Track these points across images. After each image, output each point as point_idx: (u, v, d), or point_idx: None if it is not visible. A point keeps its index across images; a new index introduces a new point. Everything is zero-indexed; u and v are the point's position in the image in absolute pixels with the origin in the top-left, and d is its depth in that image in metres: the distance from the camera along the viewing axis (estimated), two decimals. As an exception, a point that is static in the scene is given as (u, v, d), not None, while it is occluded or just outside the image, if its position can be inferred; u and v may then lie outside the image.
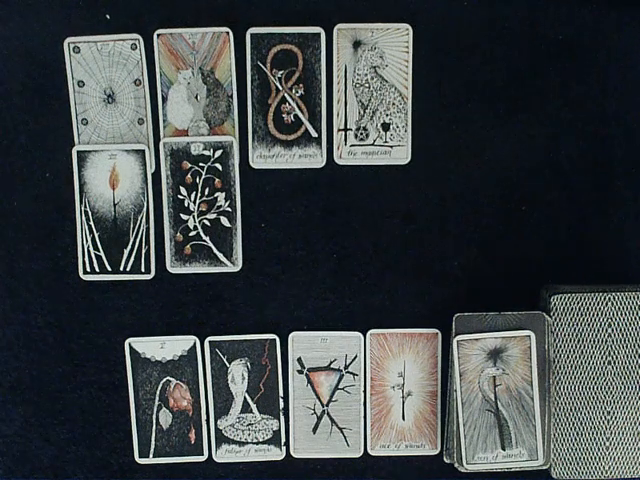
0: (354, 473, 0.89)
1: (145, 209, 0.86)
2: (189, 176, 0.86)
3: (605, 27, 0.85)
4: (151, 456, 0.88)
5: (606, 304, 0.81)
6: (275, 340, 0.87)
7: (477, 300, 0.86)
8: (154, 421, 0.87)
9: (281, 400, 0.88)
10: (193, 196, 0.86)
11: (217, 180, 0.86)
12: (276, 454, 0.88)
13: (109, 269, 0.86)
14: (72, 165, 0.85)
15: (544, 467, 0.82)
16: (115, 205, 0.86)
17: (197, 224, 0.86)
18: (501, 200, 0.86)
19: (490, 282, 0.87)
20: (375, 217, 0.86)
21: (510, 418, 0.82)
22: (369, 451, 0.88)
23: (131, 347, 0.87)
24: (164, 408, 0.87)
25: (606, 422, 0.82)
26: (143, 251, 0.86)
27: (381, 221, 0.86)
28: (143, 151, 0.85)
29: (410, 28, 0.84)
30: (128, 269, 0.86)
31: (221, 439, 0.88)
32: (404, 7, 0.84)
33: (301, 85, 0.85)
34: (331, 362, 0.87)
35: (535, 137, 0.86)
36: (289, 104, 0.85)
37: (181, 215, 0.86)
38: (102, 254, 0.86)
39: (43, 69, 0.85)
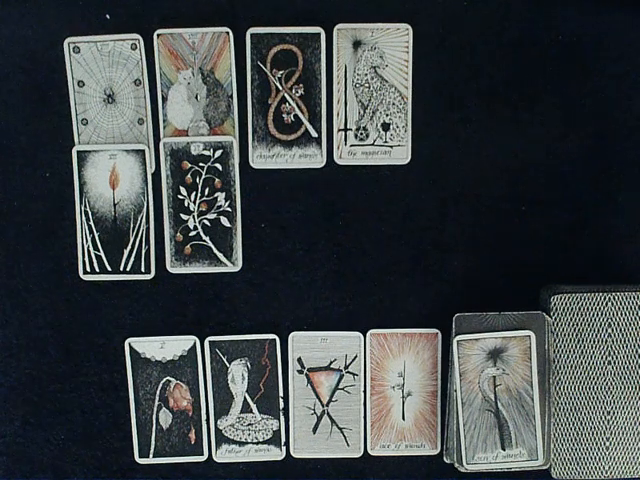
0: (354, 473, 0.89)
1: (145, 209, 0.86)
2: (189, 176, 0.86)
3: (605, 27, 0.85)
4: (151, 456, 0.88)
5: (606, 304, 0.81)
6: (275, 340, 0.87)
7: (477, 300, 0.86)
8: (154, 421, 0.87)
9: (281, 400, 0.88)
10: (193, 196, 0.86)
11: (217, 180, 0.86)
12: (276, 454, 0.88)
13: (109, 269, 0.86)
14: (72, 165, 0.85)
15: (544, 467, 0.82)
16: (115, 205, 0.86)
17: (197, 224, 0.86)
18: (501, 200, 0.86)
19: (490, 282, 0.87)
20: (375, 217, 0.86)
21: (510, 418, 0.82)
22: (369, 451, 0.88)
23: (131, 347, 0.87)
24: (164, 408, 0.87)
25: (606, 422, 0.82)
26: (143, 251, 0.86)
27: (381, 221, 0.86)
28: (143, 151, 0.85)
29: (410, 28, 0.84)
30: (128, 269, 0.86)
31: (221, 439, 0.88)
32: (404, 7, 0.84)
33: (301, 85, 0.85)
34: (331, 362, 0.88)
35: (535, 137, 0.86)
36: (289, 104, 0.85)
37: (181, 215, 0.86)
38: (102, 254, 0.86)
39: (43, 69, 0.85)
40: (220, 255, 0.86)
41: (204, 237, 0.86)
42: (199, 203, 0.86)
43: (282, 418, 0.88)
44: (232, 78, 0.85)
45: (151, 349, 0.87)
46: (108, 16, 0.84)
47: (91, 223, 0.86)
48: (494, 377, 0.82)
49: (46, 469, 0.89)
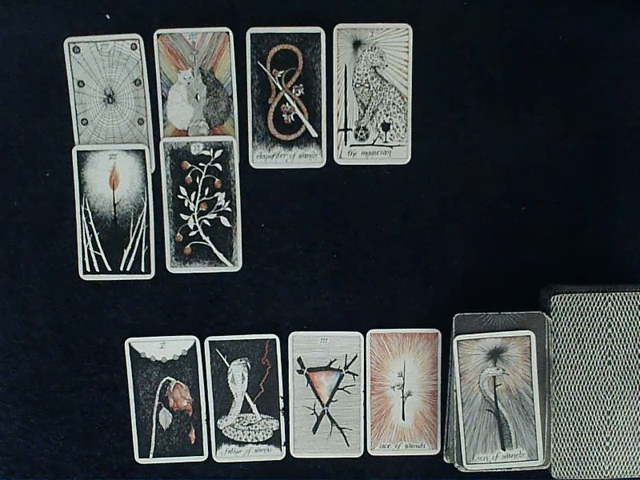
0: (354, 473, 0.89)
1: (145, 209, 0.86)
2: (189, 176, 0.86)
3: (605, 27, 0.85)
4: (151, 456, 0.88)
5: (606, 304, 0.81)
6: (275, 340, 0.87)
7: (477, 300, 0.86)
8: (154, 421, 0.87)
9: (281, 400, 0.88)
10: (193, 196, 0.86)
11: (217, 180, 0.86)
12: (276, 454, 0.88)
13: (109, 269, 0.86)
14: (72, 165, 0.85)
15: (544, 467, 0.82)
16: (115, 205, 0.86)
17: (197, 224, 0.86)
18: (501, 200, 0.86)
19: (490, 282, 0.87)
20: (375, 217, 0.86)
21: (510, 418, 0.82)
22: (369, 451, 0.88)
23: (131, 347, 0.87)
24: (164, 408, 0.87)
25: (606, 422, 0.82)
26: (143, 251, 0.86)
27: (381, 221, 0.86)
28: (143, 151, 0.85)
29: (410, 28, 0.84)
30: (128, 269, 0.86)
31: (221, 439, 0.88)
32: (404, 7, 0.84)
33: (301, 85, 0.85)
34: (331, 362, 0.88)
35: (535, 137, 0.86)
36: (289, 104, 0.85)
37: (181, 215, 0.86)
38: (102, 254, 0.86)
39: (43, 69, 0.85)
40: (220, 255, 0.86)
41: (204, 237, 0.86)
42: (199, 203, 0.86)
43: (282, 418, 0.88)
44: (232, 78, 0.85)
45: (151, 349, 0.87)
46: (108, 16, 0.84)
47: (91, 223, 0.86)
48: (494, 377, 0.82)
49: (46, 469, 0.89)
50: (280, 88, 0.85)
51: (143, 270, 0.86)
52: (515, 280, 0.86)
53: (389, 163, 0.86)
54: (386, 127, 0.86)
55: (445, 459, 0.87)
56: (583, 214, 0.86)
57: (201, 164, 0.85)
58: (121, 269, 0.86)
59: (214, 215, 0.86)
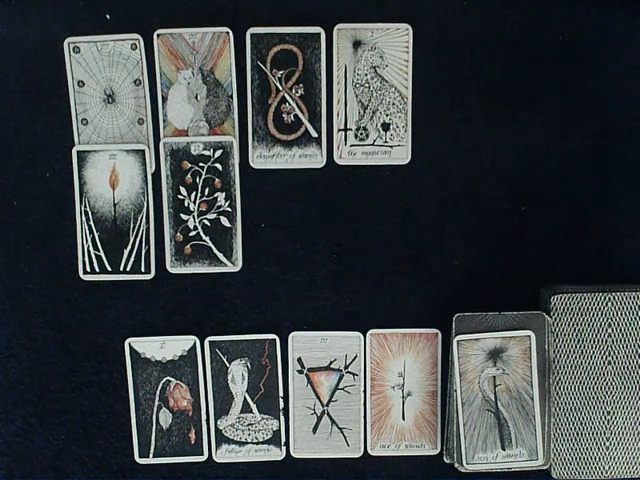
0: (354, 473, 0.89)
1: (145, 209, 0.86)
2: (189, 176, 0.86)
3: (605, 27, 0.85)
4: (151, 456, 0.88)
5: (606, 304, 0.81)
6: (275, 340, 0.87)
7: (477, 300, 0.86)
8: (154, 421, 0.87)
9: (281, 400, 0.88)
10: (193, 196, 0.86)
11: (217, 180, 0.86)
12: (276, 454, 0.88)
13: (109, 269, 0.86)
14: (72, 165, 0.85)
15: (544, 467, 0.82)
16: (115, 205, 0.86)
17: (197, 224, 0.86)
18: (501, 200, 0.86)
19: (490, 282, 0.87)
20: (375, 217, 0.86)
21: (510, 418, 0.82)
22: (369, 451, 0.88)
23: (131, 347, 0.87)
24: (164, 408, 0.87)
25: (606, 422, 0.82)
26: (143, 251, 0.86)
27: (381, 221, 0.86)
28: (143, 151, 0.85)
29: (410, 28, 0.84)
30: (128, 269, 0.86)
31: (221, 439, 0.88)
32: (404, 7, 0.84)
33: (301, 85, 0.85)
34: (331, 362, 0.88)
35: (535, 137, 0.86)
36: (289, 104, 0.85)
37: (181, 215, 0.86)
38: (102, 254, 0.86)
39: (43, 69, 0.85)
40: (220, 255, 0.86)
41: (204, 237, 0.86)
42: (199, 203, 0.86)
43: (282, 418, 0.88)
44: (232, 78, 0.85)
45: (151, 349, 0.87)
46: (108, 16, 0.84)
47: (91, 223, 0.86)
48: (494, 377, 0.82)
49: (46, 469, 0.89)
50: (280, 88, 0.85)
51: (143, 270, 0.86)
52: (515, 280, 0.86)
53: (389, 163, 0.86)
54: (386, 127, 0.86)
55: (445, 459, 0.87)
56: (583, 214, 0.86)
57: (201, 164, 0.85)
58: (121, 269, 0.86)
59: (214, 215, 0.86)
